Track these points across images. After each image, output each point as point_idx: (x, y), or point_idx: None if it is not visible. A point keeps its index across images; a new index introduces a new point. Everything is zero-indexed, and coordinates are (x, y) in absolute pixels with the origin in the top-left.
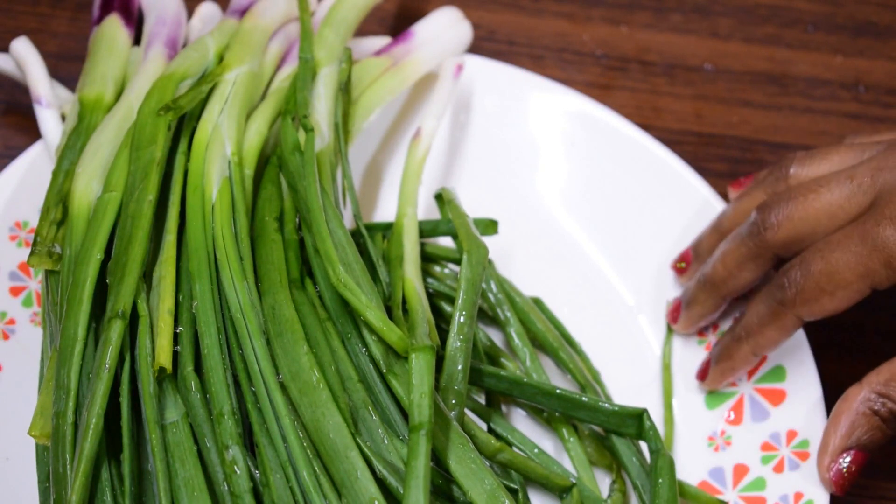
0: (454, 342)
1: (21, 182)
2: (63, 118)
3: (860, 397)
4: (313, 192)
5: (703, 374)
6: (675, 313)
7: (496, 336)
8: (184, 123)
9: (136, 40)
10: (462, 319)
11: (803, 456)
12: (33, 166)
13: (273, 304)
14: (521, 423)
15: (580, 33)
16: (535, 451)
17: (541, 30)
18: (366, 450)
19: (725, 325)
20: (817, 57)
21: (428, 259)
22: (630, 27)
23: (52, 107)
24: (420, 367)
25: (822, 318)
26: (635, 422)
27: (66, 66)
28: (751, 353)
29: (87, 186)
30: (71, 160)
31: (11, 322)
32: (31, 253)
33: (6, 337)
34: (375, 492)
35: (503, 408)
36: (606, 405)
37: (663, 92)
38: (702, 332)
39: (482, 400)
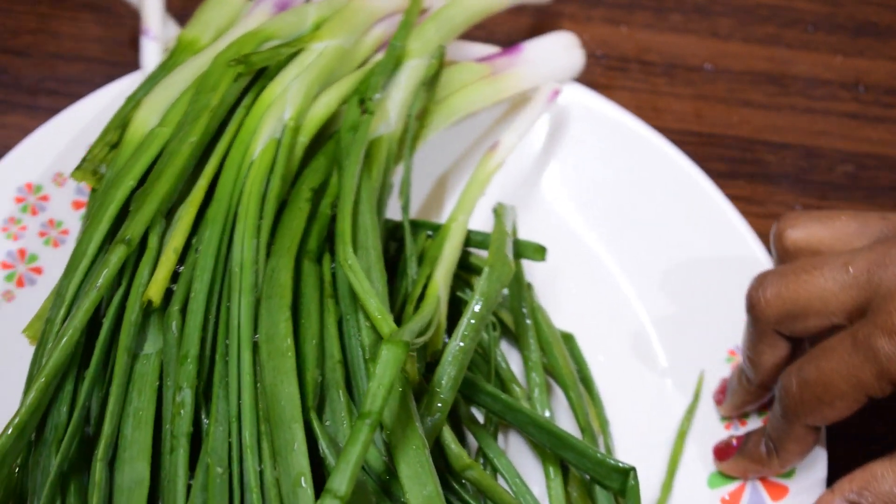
0: (451, 349)
1: (111, 104)
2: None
3: None
4: (351, 171)
5: (722, 455)
6: (721, 395)
7: (517, 362)
8: (257, 82)
9: None
10: (465, 330)
11: None
12: (127, 92)
13: (275, 267)
14: (523, 454)
15: (580, 33)
16: (517, 480)
17: (541, 30)
18: (316, 426)
19: (752, 417)
20: (817, 57)
21: (471, 270)
22: (630, 27)
23: (157, 40)
24: (387, 359)
25: (832, 423)
26: (620, 477)
27: (66, 66)
28: (780, 466)
29: (147, 118)
30: (146, 91)
31: (65, 232)
32: (77, 167)
33: (56, 245)
34: (305, 467)
35: (510, 435)
36: (595, 452)
37: (663, 92)
38: None
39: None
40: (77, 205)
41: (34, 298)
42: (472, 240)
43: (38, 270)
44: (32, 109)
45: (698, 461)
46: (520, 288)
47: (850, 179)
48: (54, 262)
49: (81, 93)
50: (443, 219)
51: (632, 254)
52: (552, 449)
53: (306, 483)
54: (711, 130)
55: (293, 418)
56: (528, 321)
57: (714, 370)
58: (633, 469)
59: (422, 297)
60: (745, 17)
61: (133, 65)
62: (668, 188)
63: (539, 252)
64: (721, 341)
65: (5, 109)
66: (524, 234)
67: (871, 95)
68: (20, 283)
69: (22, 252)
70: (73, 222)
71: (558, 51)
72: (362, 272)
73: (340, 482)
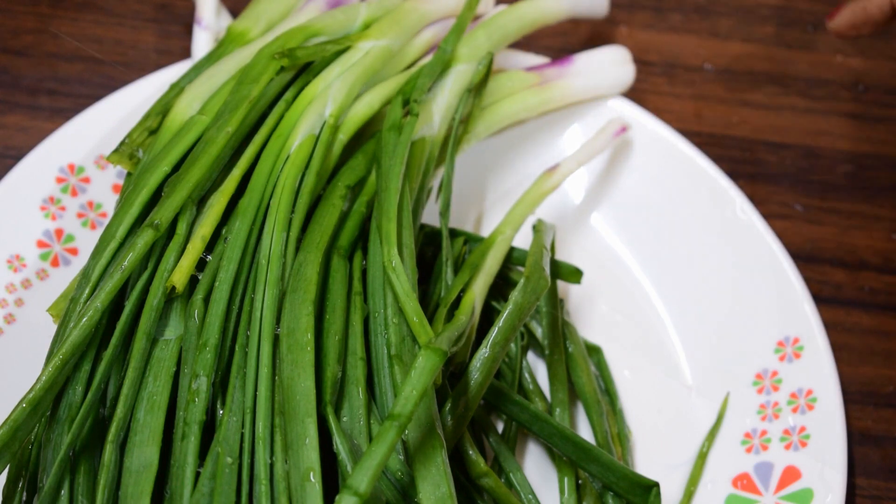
0: (480, 355)
1: (158, 90)
2: None
3: None
4: (395, 172)
5: (833, 15)
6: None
7: (543, 373)
8: (300, 77)
9: None
10: (496, 337)
11: None
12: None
13: (302, 261)
14: (537, 468)
15: (581, 33)
16: (531, 496)
17: (541, 30)
18: (332, 422)
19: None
20: (817, 57)
21: (509, 282)
22: (630, 27)
23: (208, 30)
24: (423, 366)
25: None
26: (643, 492)
27: (66, 66)
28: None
29: (188, 106)
30: (191, 79)
31: (103, 215)
32: (114, 150)
33: (94, 226)
34: (315, 462)
35: (524, 449)
36: (620, 466)
37: (663, 92)
38: (748, 434)
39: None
40: (117, 188)
41: (68, 279)
42: (512, 256)
43: (73, 251)
44: (32, 109)
45: (716, 484)
46: (553, 304)
47: (850, 179)
48: (90, 244)
49: (81, 93)
50: (485, 229)
51: (665, 271)
52: (577, 461)
53: (315, 478)
54: (711, 130)
55: (307, 413)
56: (558, 336)
57: (740, 393)
58: (657, 485)
59: (456, 304)
60: (745, 17)
61: (134, 64)
62: (706, 209)
63: (575, 275)
64: (749, 365)
65: (5, 109)
66: (559, 245)
67: (871, 95)
68: (55, 263)
69: (59, 232)
70: (112, 205)
71: (609, 64)
72: (404, 274)
73: (361, 480)
